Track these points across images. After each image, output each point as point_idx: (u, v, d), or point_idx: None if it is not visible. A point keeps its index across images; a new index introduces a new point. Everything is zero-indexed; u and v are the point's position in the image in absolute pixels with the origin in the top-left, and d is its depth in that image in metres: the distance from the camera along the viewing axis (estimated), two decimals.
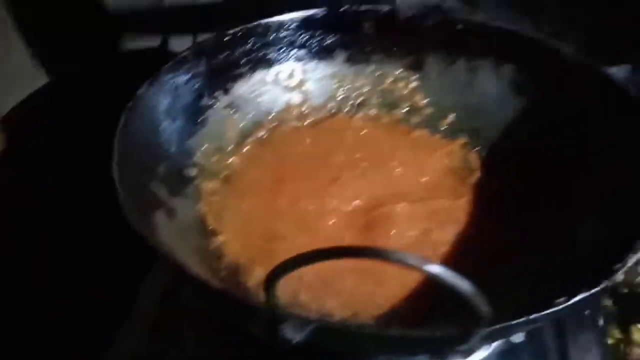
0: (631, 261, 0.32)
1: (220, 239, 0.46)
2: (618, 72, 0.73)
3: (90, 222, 0.63)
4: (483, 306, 0.23)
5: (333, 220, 0.48)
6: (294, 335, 0.28)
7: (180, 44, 0.66)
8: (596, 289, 0.30)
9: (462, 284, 0.21)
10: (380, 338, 0.27)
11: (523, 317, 0.28)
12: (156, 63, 0.49)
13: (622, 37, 0.78)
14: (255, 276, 0.43)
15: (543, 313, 0.29)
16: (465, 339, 0.26)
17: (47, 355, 0.58)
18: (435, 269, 0.21)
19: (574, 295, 0.30)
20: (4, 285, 0.56)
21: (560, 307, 0.29)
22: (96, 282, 0.63)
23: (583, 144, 0.46)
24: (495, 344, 0.44)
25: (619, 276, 0.32)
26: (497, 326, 0.27)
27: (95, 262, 0.64)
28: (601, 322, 0.47)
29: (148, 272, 0.50)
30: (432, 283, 0.22)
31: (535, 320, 0.29)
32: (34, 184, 0.60)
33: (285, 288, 0.31)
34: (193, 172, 0.50)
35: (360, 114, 0.58)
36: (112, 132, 0.42)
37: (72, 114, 0.62)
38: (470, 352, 0.28)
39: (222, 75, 0.53)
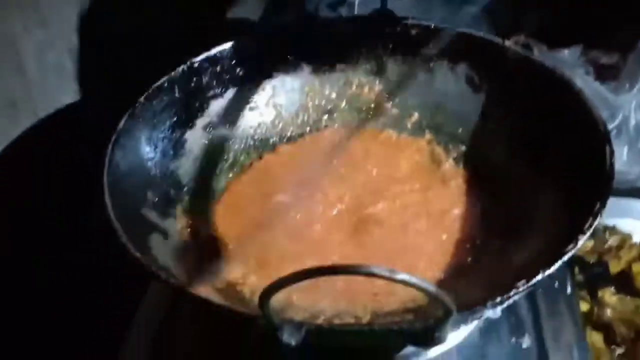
0: (581, 242, 0.36)
1: (214, 254, 0.50)
2: (570, 52, 0.78)
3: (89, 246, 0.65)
4: (449, 302, 0.26)
5: (320, 226, 0.51)
6: (291, 339, 0.32)
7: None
8: (550, 270, 0.34)
9: (427, 286, 0.25)
10: (362, 333, 0.31)
11: (488, 301, 0.32)
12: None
13: (573, 19, 0.82)
14: (250, 284, 0.47)
15: (504, 296, 0.33)
16: (438, 328, 0.30)
17: None
18: (403, 276, 0.25)
19: (532, 278, 0.34)
20: None
21: (520, 289, 0.33)
22: (96, 303, 0.66)
23: (536, 130, 0.50)
24: (475, 321, 0.48)
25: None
26: (464, 313, 0.31)
27: (93, 285, 0.66)
28: (569, 290, 0.52)
29: (145, 294, 0.52)
30: None
31: (499, 302, 0.33)
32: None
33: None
34: (180, 194, 0.52)
35: (330, 122, 0.61)
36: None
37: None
38: (444, 339, 0.31)
39: (196, 98, 0.56)
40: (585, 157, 0.42)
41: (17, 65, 0.62)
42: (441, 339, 0.31)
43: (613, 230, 0.70)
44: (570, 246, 0.35)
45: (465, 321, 0.33)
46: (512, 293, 0.33)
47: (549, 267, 0.34)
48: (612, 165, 0.39)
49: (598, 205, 0.37)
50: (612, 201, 0.75)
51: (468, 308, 0.31)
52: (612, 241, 0.69)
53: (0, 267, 0.61)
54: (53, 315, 0.62)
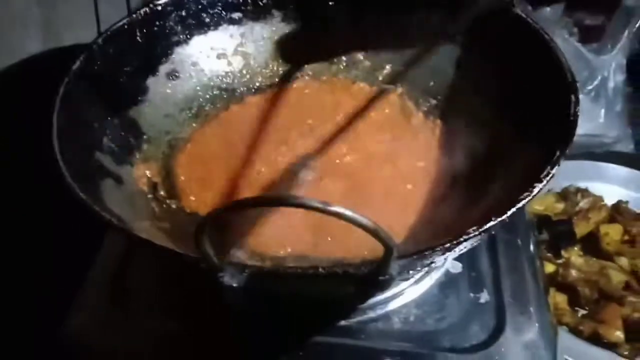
0: (536, 190, 0.35)
1: (170, 203, 0.48)
2: (552, 11, 0.76)
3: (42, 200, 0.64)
4: (386, 237, 0.25)
5: (285, 180, 0.50)
6: (232, 280, 0.31)
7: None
8: (502, 217, 0.33)
9: (362, 220, 0.24)
10: (306, 276, 0.30)
11: (437, 245, 0.31)
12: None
13: None
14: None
15: (454, 241, 0.32)
16: (382, 268, 0.29)
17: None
18: (336, 209, 0.23)
19: (484, 225, 0.33)
20: None
21: (471, 235, 0.32)
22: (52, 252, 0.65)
23: (506, 81, 0.49)
24: (436, 276, 0.48)
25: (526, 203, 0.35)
26: (410, 255, 0.30)
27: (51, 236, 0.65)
28: (532, 248, 0.51)
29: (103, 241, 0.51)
30: None
31: (447, 248, 0.32)
32: None
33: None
34: (139, 141, 0.51)
35: (301, 73, 0.59)
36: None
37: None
38: (391, 281, 0.31)
39: (159, 43, 0.54)
40: (551, 105, 0.41)
41: None
42: (387, 282, 0.30)
43: (585, 192, 0.70)
44: (526, 194, 0.35)
45: (413, 266, 0.32)
46: (461, 239, 0.32)
47: (502, 214, 0.33)
48: (575, 113, 0.38)
49: (557, 154, 0.36)
50: (585, 164, 0.75)
51: (414, 251, 0.30)
52: (583, 204, 0.69)
53: None
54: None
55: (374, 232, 0.25)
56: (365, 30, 0.58)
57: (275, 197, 0.25)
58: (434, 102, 0.55)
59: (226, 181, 0.51)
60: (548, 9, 0.75)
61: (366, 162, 0.52)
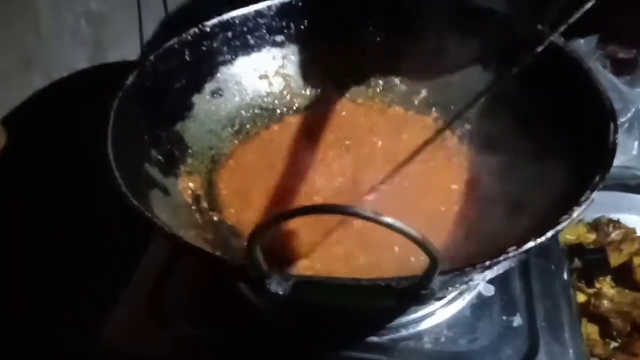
0: (575, 213, 0.35)
1: (212, 215, 0.50)
2: (586, 42, 0.77)
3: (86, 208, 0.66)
4: (433, 249, 0.27)
5: (320, 199, 0.52)
6: (278, 289, 0.32)
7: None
8: (542, 239, 0.34)
9: (412, 232, 0.25)
10: (350, 287, 0.31)
11: (477, 263, 0.32)
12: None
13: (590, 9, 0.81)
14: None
15: (494, 260, 0.33)
16: (425, 281, 0.30)
17: (41, 326, 0.62)
18: (388, 220, 0.25)
19: (523, 245, 0.34)
20: None
21: (510, 255, 0.33)
22: (94, 260, 0.67)
23: (542, 106, 0.50)
24: (468, 297, 0.49)
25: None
26: (452, 271, 0.31)
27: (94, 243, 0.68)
28: (565, 275, 0.51)
29: (145, 250, 0.53)
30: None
31: (487, 266, 0.33)
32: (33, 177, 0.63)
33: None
34: (184, 155, 0.53)
35: (337, 95, 0.61)
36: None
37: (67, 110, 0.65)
38: (431, 297, 0.32)
39: (206, 63, 0.57)
40: (589, 132, 0.41)
41: (34, 23, 0.62)
42: (427, 297, 0.31)
43: (617, 223, 0.70)
44: (565, 217, 0.35)
45: (453, 282, 0.33)
46: (501, 258, 0.33)
47: (540, 236, 0.34)
48: (615, 140, 0.39)
49: (597, 179, 0.37)
50: (618, 195, 0.75)
51: (456, 267, 0.31)
52: (615, 235, 0.68)
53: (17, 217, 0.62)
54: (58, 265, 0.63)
55: (422, 244, 0.26)
56: (401, 54, 0.60)
57: (329, 206, 0.27)
58: (468, 126, 0.56)
59: (265, 197, 0.53)
60: (582, 40, 0.76)
61: (400, 183, 0.53)
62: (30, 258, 0.64)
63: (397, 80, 0.61)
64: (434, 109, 0.58)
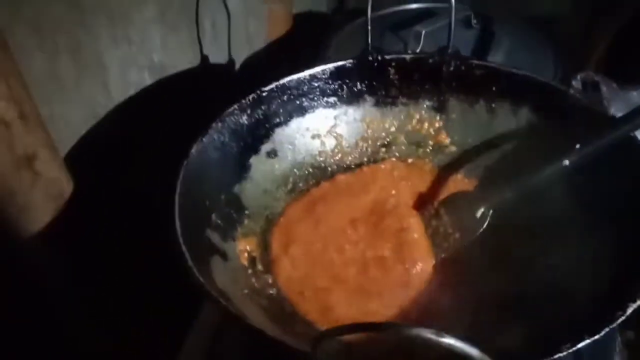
0: (630, 310, 0.36)
1: (267, 278, 0.52)
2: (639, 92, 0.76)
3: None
4: None
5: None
6: None
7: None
8: (597, 336, 0.34)
9: (472, 351, 0.27)
10: None
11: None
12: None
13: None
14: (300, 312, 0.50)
15: (547, 357, 0.33)
16: None
17: None
18: (449, 340, 0.26)
19: (578, 343, 0.34)
20: None
21: (565, 352, 0.34)
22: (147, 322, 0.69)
23: (594, 184, 0.49)
24: None
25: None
26: None
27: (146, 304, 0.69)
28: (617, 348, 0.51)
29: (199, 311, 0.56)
30: None
31: None
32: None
33: None
34: (241, 217, 0.56)
35: (388, 155, 0.63)
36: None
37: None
38: None
39: (262, 126, 0.59)
40: None
41: (103, 80, 0.66)
42: None
43: None
44: (619, 313, 0.36)
45: None
46: (555, 356, 0.34)
47: (594, 333, 0.35)
48: None
49: None
50: None
51: None
52: None
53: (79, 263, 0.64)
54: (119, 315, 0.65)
55: None
56: (452, 116, 0.61)
57: (391, 325, 0.28)
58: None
59: (312, 258, 0.54)
60: (635, 92, 0.75)
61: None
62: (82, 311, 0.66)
63: (447, 142, 0.62)
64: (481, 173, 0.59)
